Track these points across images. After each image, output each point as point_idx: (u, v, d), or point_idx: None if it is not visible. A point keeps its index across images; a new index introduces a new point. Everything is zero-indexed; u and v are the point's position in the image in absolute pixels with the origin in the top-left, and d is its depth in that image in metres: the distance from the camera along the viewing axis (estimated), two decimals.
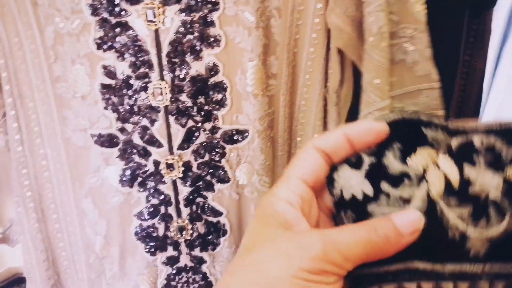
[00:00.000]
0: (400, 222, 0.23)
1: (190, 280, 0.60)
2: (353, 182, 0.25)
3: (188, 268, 0.59)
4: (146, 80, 0.50)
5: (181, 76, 0.50)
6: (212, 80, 0.50)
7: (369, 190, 0.24)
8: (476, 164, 0.23)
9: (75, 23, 0.49)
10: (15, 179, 0.58)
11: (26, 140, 0.56)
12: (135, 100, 0.51)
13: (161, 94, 0.50)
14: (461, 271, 0.23)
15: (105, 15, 0.48)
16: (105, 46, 0.49)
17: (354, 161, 0.25)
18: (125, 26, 0.48)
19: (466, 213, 0.23)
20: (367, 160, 0.25)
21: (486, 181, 0.23)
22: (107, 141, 0.53)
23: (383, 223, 0.23)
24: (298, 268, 0.22)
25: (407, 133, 0.24)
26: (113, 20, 0.48)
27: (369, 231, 0.23)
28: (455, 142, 0.24)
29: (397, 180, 0.24)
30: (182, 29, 0.48)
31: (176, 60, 0.49)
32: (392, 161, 0.24)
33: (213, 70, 0.50)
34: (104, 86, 0.51)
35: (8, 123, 0.55)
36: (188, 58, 0.49)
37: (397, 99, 0.51)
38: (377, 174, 0.24)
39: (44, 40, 0.51)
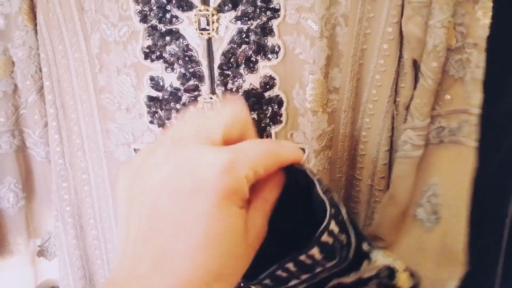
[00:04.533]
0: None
1: None
2: None
3: None
4: (196, 93, 0.46)
5: (234, 90, 0.46)
6: (267, 94, 0.46)
7: None
8: None
9: (123, 31, 0.45)
10: (55, 192, 0.55)
11: (67, 152, 0.53)
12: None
13: (212, 109, 0.46)
14: None
15: (154, 22, 0.44)
16: (153, 56, 0.45)
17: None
18: (175, 35, 0.44)
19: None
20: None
21: None
22: None
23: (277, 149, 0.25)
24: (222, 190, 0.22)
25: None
26: (163, 28, 0.44)
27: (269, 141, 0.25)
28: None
29: None
30: (237, 38, 0.44)
31: (229, 73, 0.45)
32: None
33: (268, 83, 0.45)
34: (150, 99, 0.47)
35: (50, 134, 0.53)
36: (242, 70, 0.45)
37: (446, 117, 0.45)
38: None
39: (89, 48, 0.48)
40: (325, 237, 0.24)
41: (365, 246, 0.27)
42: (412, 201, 0.47)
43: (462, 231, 0.46)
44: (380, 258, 0.27)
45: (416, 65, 0.44)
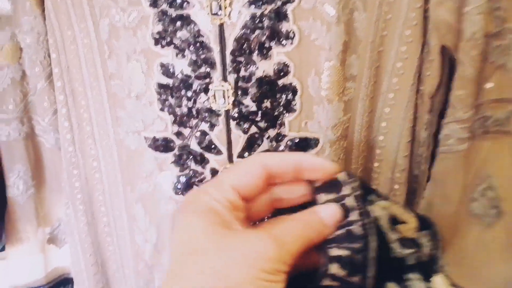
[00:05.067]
0: (325, 215, 0.27)
1: None
2: None
3: None
4: (207, 80, 0.44)
5: (246, 77, 0.44)
6: (280, 82, 0.44)
7: None
8: None
9: (132, 16, 0.44)
10: (65, 180, 0.55)
11: (77, 140, 0.53)
12: (194, 102, 0.46)
13: (223, 96, 0.44)
14: None
15: (164, 7, 0.43)
16: (163, 42, 0.44)
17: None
18: (186, 20, 0.43)
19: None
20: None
21: None
22: (162, 145, 0.49)
23: (313, 218, 0.27)
24: (259, 270, 0.24)
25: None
26: (174, 13, 0.43)
27: (305, 228, 0.26)
28: None
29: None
30: (250, 23, 0.42)
31: (241, 59, 0.43)
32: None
33: (282, 70, 0.44)
34: (160, 86, 0.46)
35: (59, 121, 0.52)
36: (255, 57, 0.43)
37: (489, 107, 0.43)
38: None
39: (98, 34, 0.46)
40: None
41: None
42: (463, 196, 0.45)
43: None
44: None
45: (444, 52, 0.42)
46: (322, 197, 0.27)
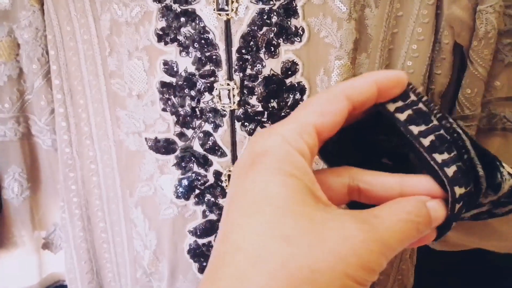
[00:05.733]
0: (434, 215, 0.22)
1: None
2: None
3: None
4: (212, 79, 0.43)
5: (253, 76, 0.42)
6: (288, 81, 0.43)
7: None
8: None
9: (135, 11, 0.42)
10: (61, 183, 0.53)
11: (74, 140, 0.51)
12: (198, 101, 0.44)
13: (228, 96, 0.43)
14: None
15: (169, 2, 0.41)
16: (167, 39, 0.42)
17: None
18: (191, 16, 0.41)
19: None
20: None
21: None
22: (164, 146, 0.47)
23: (423, 218, 0.21)
24: (353, 271, 0.19)
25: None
26: (178, 8, 0.41)
27: (411, 229, 0.21)
28: None
29: None
30: (257, 20, 0.41)
31: (248, 57, 0.42)
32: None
33: (290, 69, 0.42)
34: (163, 85, 0.44)
35: (57, 121, 0.50)
36: (262, 54, 0.42)
37: (497, 105, 0.43)
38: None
39: (99, 30, 0.45)
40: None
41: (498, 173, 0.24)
42: None
43: None
44: (508, 179, 0.24)
45: (455, 51, 0.41)
46: (390, 106, 0.23)
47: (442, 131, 0.22)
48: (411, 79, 0.43)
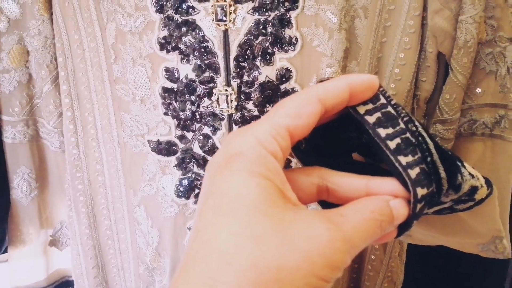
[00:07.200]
0: (397, 213, 0.23)
1: None
2: None
3: None
4: (211, 85, 0.45)
5: (249, 82, 0.45)
6: (283, 87, 0.45)
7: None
8: None
9: (139, 21, 0.45)
10: (69, 182, 0.56)
11: (81, 142, 0.53)
12: (198, 106, 0.47)
13: (226, 101, 0.45)
14: None
15: (171, 12, 0.44)
16: (169, 47, 0.45)
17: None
18: (192, 26, 0.44)
19: None
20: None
21: None
22: (165, 148, 0.49)
23: (386, 216, 0.23)
24: (318, 269, 0.20)
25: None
26: (179, 19, 0.44)
27: (375, 226, 0.22)
28: None
29: None
30: (254, 29, 0.43)
31: (245, 64, 0.44)
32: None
33: (285, 76, 0.45)
34: (165, 90, 0.47)
35: (64, 124, 0.53)
36: (258, 62, 0.44)
37: (478, 111, 0.45)
38: None
39: (104, 38, 0.47)
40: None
41: (459, 176, 0.25)
42: None
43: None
44: (468, 179, 0.25)
45: (440, 59, 0.43)
46: (361, 108, 0.24)
47: (408, 134, 0.23)
48: (398, 86, 0.45)
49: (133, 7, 0.44)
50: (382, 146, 0.23)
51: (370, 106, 0.24)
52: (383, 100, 0.24)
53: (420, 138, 0.23)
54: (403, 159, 0.23)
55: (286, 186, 0.22)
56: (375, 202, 0.23)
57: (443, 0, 0.40)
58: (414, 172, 0.23)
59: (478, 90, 0.43)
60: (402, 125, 0.24)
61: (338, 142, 0.27)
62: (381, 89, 0.25)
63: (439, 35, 0.41)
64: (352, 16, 0.43)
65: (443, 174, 0.23)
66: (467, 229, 0.35)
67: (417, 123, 0.24)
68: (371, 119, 0.24)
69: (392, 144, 0.23)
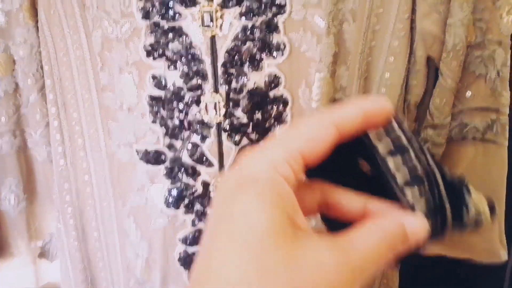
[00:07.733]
0: (411, 231, 0.22)
1: None
2: None
3: None
4: (199, 92, 0.45)
5: (237, 89, 0.44)
6: (271, 94, 0.44)
7: None
8: None
9: (125, 28, 0.44)
10: (56, 194, 0.55)
11: (69, 153, 0.52)
12: (186, 114, 0.46)
13: (215, 108, 0.44)
14: None
15: (157, 19, 0.43)
16: (155, 54, 0.44)
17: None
18: (178, 32, 0.43)
19: None
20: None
21: None
22: (154, 158, 0.48)
23: (399, 232, 0.22)
24: None
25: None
26: (166, 25, 0.43)
27: (386, 249, 0.22)
28: None
29: None
30: (241, 35, 0.42)
31: (233, 71, 0.44)
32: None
33: (273, 82, 0.44)
34: (152, 98, 0.46)
35: (51, 134, 0.52)
36: (246, 68, 0.43)
37: (468, 114, 0.44)
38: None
39: (91, 46, 0.47)
40: None
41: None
42: None
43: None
44: (474, 207, 0.25)
45: (429, 63, 0.42)
46: (372, 133, 0.24)
47: (416, 163, 0.23)
48: (389, 90, 0.45)
49: (119, 14, 0.44)
50: (390, 179, 0.23)
51: (381, 131, 0.24)
52: (395, 126, 0.24)
53: (428, 168, 0.23)
54: (409, 193, 0.23)
55: (297, 213, 0.22)
56: (386, 224, 0.22)
57: (432, 3, 0.40)
58: (420, 207, 0.23)
59: (468, 93, 0.43)
60: (412, 154, 0.23)
61: (345, 162, 0.27)
62: (393, 114, 0.24)
63: (428, 38, 0.40)
64: (340, 20, 0.42)
65: (448, 212, 0.23)
66: (465, 247, 0.34)
67: (425, 151, 0.24)
68: (381, 146, 0.24)
69: (400, 177, 0.23)
